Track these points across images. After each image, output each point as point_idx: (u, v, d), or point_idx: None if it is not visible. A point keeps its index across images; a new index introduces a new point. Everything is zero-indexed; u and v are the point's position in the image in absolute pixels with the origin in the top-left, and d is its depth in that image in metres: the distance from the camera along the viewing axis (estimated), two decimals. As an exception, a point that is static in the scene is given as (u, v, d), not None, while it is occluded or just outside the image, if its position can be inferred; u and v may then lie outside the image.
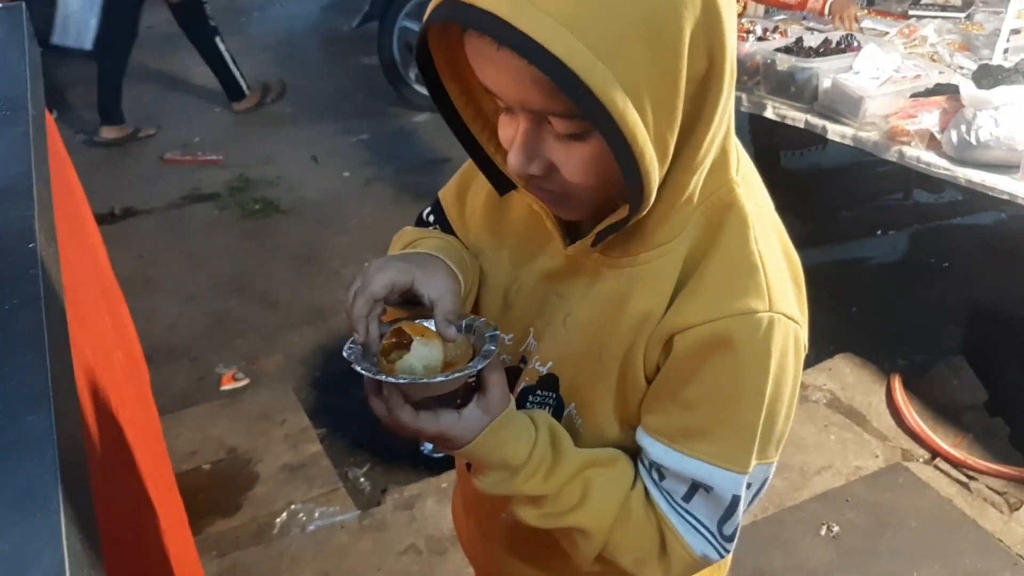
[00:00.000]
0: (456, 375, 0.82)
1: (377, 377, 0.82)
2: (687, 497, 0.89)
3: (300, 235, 4.19)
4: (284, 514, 2.57)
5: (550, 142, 0.78)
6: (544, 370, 0.96)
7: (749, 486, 0.89)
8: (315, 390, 3.14)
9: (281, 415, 3.00)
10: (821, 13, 3.33)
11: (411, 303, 0.89)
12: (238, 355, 3.32)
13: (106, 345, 1.55)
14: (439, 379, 0.81)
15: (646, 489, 0.91)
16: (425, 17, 0.74)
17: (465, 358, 0.85)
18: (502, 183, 0.93)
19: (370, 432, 2.91)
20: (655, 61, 0.70)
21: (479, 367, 0.83)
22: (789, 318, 0.83)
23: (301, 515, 2.57)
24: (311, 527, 2.52)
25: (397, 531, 2.49)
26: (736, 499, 0.88)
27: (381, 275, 0.86)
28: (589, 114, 0.70)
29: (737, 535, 0.92)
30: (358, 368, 0.83)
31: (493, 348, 0.85)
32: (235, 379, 3.18)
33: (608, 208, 0.82)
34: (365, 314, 0.85)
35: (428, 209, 1.14)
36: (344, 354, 0.85)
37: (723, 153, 0.83)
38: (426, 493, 2.60)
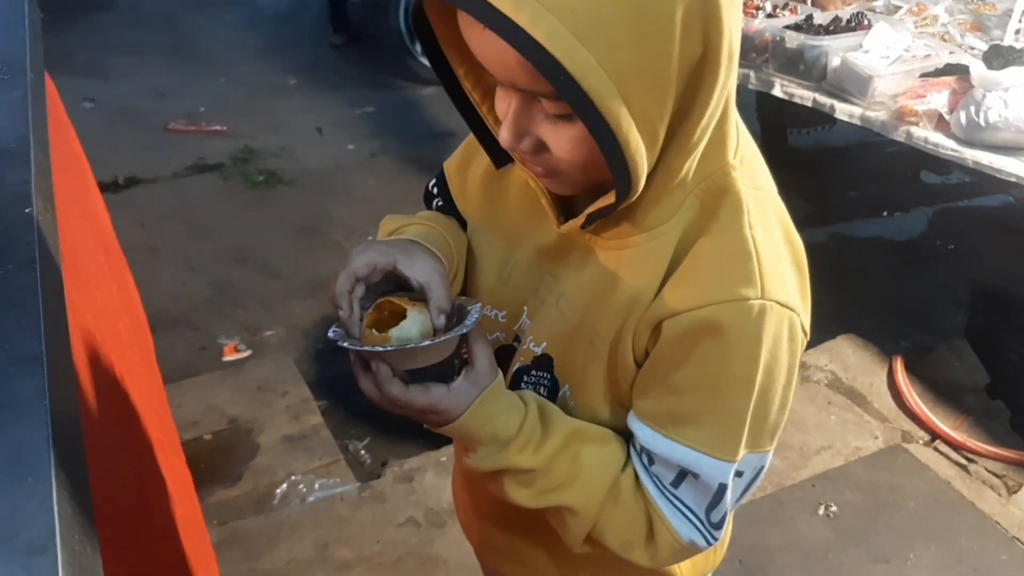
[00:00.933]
0: (439, 340, 0.81)
1: (363, 349, 0.82)
2: (675, 483, 0.88)
3: (304, 206, 4.18)
4: (284, 484, 2.58)
5: (540, 120, 0.77)
6: (538, 350, 0.95)
7: (740, 475, 0.88)
8: (316, 362, 3.14)
9: (283, 386, 3.00)
10: None
11: (401, 289, 0.89)
12: (240, 326, 3.32)
13: (111, 311, 1.54)
14: (424, 344, 0.81)
15: (636, 473, 0.91)
16: None
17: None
18: (500, 156, 0.92)
19: (371, 405, 2.91)
20: (642, 45, 0.68)
21: (462, 332, 0.83)
22: (783, 306, 0.82)
23: (301, 486, 2.58)
24: (311, 498, 2.53)
25: (396, 503, 2.50)
26: (723, 487, 0.87)
27: (362, 256, 0.86)
28: (570, 99, 0.68)
29: (727, 522, 0.91)
30: (344, 344, 0.83)
31: (476, 315, 0.85)
32: (237, 350, 3.19)
33: (604, 186, 0.81)
34: (347, 290, 0.85)
35: (433, 181, 1.14)
36: (330, 335, 0.85)
37: (720, 136, 0.82)
38: (426, 466, 2.61)
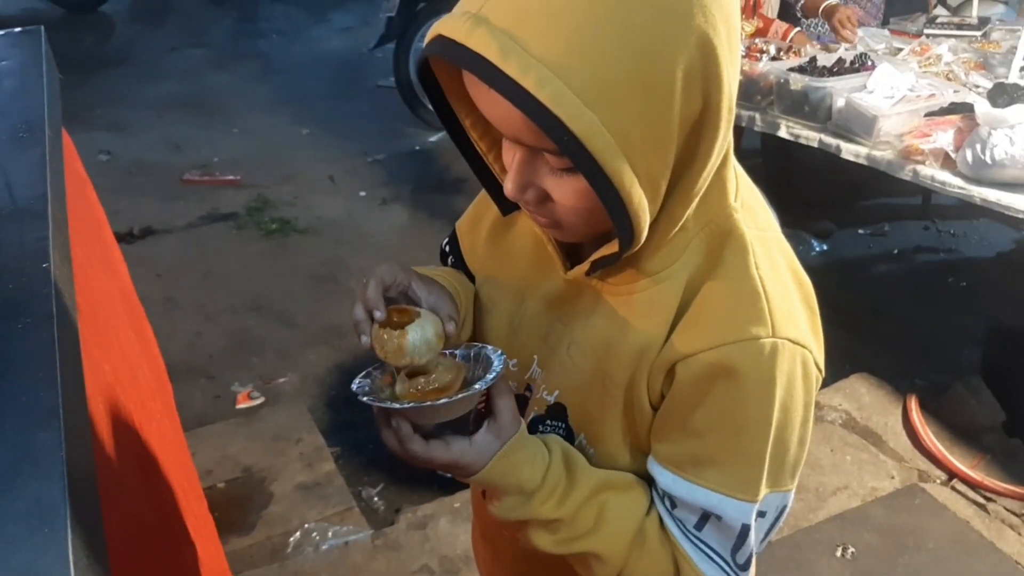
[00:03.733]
0: (461, 396, 0.82)
1: (385, 405, 0.82)
2: (699, 526, 0.88)
3: (317, 254, 4.22)
4: (298, 533, 2.58)
5: (544, 173, 0.79)
6: (551, 399, 0.96)
7: (764, 515, 0.88)
8: (330, 409, 3.15)
9: (296, 434, 3.01)
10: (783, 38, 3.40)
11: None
12: (254, 374, 3.34)
13: (131, 361, 1.56)
14: (443, 401, 0.82)
15: (660, 517, 0.91)
16: (423, 49, 0.76)
17: (468, 385, 0.86)
18: (507, 203, 0.94)
19: (384, 451, 2.91)
20: (646, 106, 0.70)
21: (484, 387, 0.83)
22: (795, 343, 0.82)
23: (315, 534, 2.57)
24: (324, 546, 2.52)
25: (410, 551, 2.48)
26: (746, 528, 0.87)
27: (385, 267, 0.92)
28: (575, 159, 0.70)
29: (753, 563, 0.91)
30: (365, 399, 0.84)
31: (499, 367, 0.85)
32: (251, 398, 3.20)
33: (608, 234, 0.82)
34: (375, 295, 0.88)
35: (446, 240, 1.16)
36: (353, 387, 0.87)
37: (720, 181, 0.83)
38: (439, 513, 2.60)
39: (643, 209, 0.74)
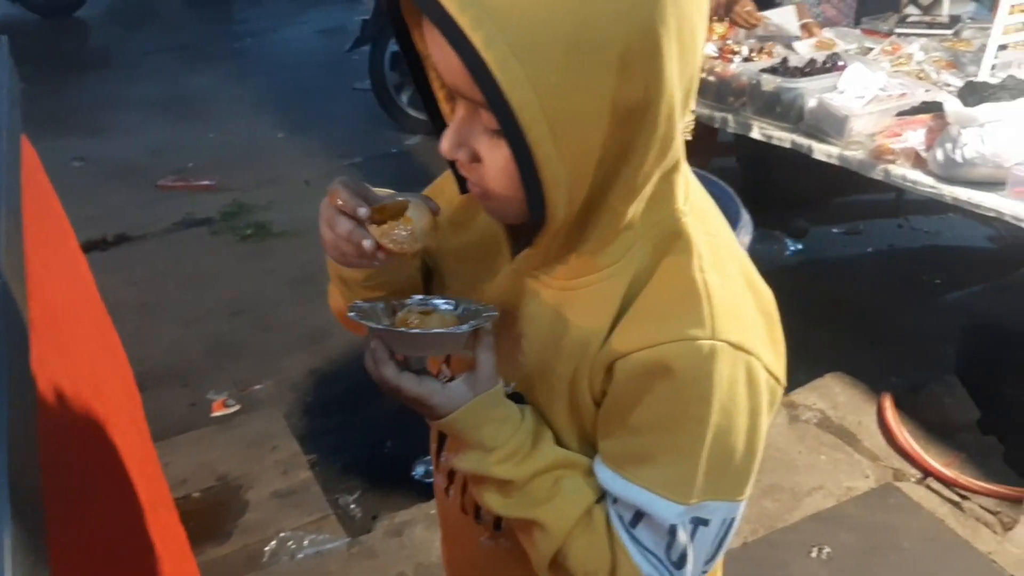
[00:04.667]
0: (440, 331, 0.84)
1: (369, 323, 0.84)
2: (633, 523, 0.89)
3: (294, 258, 4.19)
4: (274, 541, 2.56)
5: (479, 132, 0.78)
6: (509, 389, 0.96)
7: (707, 523, 0.87)
8: (306, 416, 3.13)
9: (272, 441, 2.99)
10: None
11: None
12: (230, 380, 3.32)
13: (95, 373, 1.54)
14: (418, 331, 0.83)
15: (607, 508, 0.92)
16: None
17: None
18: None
19: (362, 457, 2.91)
20: (575, 74, 0.69)
21: (467, 329, 0.84)
22: (737, 347, 0.82)
23: (291, 543, 2.55)
24: (301, 555, 2.51)
25: (387, 558, 2.47)
26: (673, 528, 0.86)
27: (341, 178, 0.90)
28: (495, 109, 0.70)
29: (689, 562, 0.90)
30: (351, 314, 0.86)
31: (490, 315, 0.86)
32: (226, 405, 3.18)
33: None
34: (350, 197, 0.87)
35: None
36: (350, 314, 0.87)
37: (668, 185, 0.84)
38: (416, 519, 2.59)
39: (557, 184, 0.74)
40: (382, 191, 0.94)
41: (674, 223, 0.85)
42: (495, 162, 0.78)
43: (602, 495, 0.92)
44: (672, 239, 0.85)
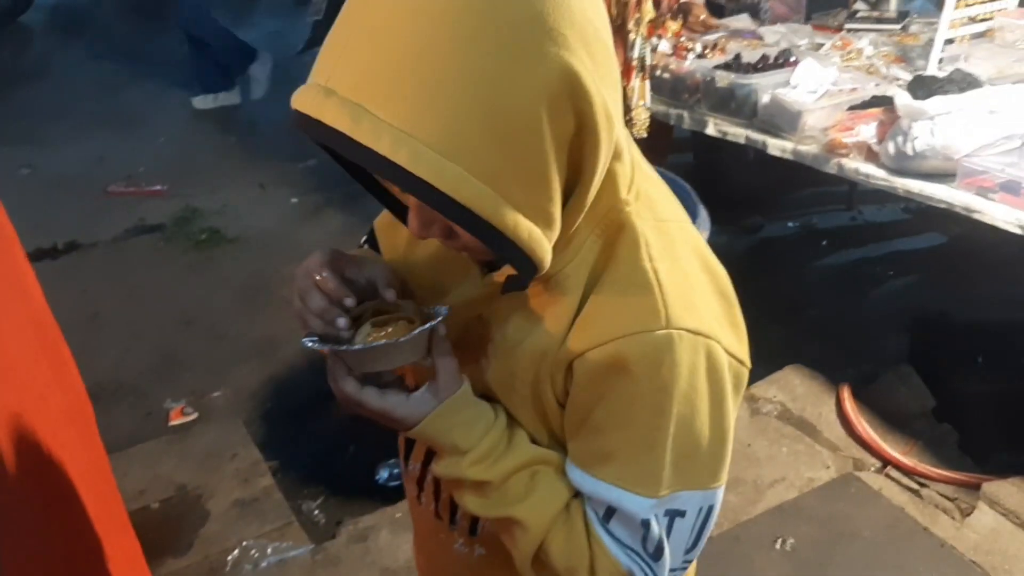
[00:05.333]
0: (390, 342, 0.83)
1: (326, 347, 0.84)
2: (606, 518, 0.89)
3: (248, 265, 4.13)
4: (236, 551, 2.52)
5: None
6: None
7: (683, 514, 0.88)
8: (266, 423, 3.09)
9: (231, 449, 2.94)
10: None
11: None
12: (187, 389, 3.26)
13: (40, 389, 1.50)
14: (372, 344, 0.83)
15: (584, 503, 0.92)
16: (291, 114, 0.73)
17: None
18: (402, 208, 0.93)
19: (324, 462, 2.87)
20: (512, 145, 0.69)
21: (414, 334, 0.83)
22: (695, 333, 0.82)
23: (253, 552, 2.52)
24: (263, 564, 2.47)
25: (351, 565, 2.45)
26: (646, 523, 0.87)
27: (317, 257, 0.90)
28: (447, 214, 0.70)
29: (666, 553, 0.90)
30: (311, 343, 0.86)
31: (441, 315, 0.86)
32: (184, 414, 3.12)
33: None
34: (337, 285, 0.87)
35: (364, 238, 1.14)
36: (304, 341, 0.87)
37: (611, 177, 0.83)
38: (380, 524, 2.57)
39: (536, 240, 0.74)
40: (365, 263, 0.93)
41: (617, 215, 0.85)
42: (468, 235, 0.77)
43: (578, 491, 0.92)
44: (617, 232, 0.85)
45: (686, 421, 0.83)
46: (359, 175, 0.91)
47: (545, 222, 0.75)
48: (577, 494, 0.92)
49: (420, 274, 1.03)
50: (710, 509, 0.90)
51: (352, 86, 0.69)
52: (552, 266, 0.84)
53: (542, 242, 0.75)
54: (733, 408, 0.88)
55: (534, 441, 0.93)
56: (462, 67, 0.67)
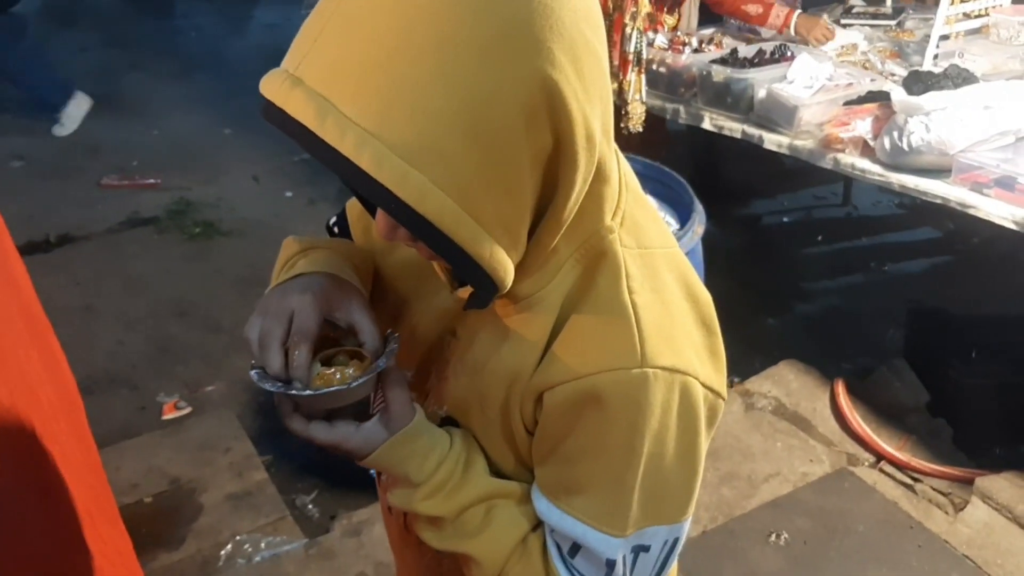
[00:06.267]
0: (340, 388, 0.80)
1: (271, 388, 0.81)
2: (571, 553, 0.87)
3: (243, 257, 4.12)
4: (229, 545, 2.51)
5: None
6: (442, 412, 0.93)
7: (647, 549, 0.86)
8: (260, 416, 3.08)
9: (225, 443, 2.93)
10: (781, 30, 3.37)
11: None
12: (180, 382, 3.25)
13: (31, 381, 1.49)
14: (308, 392, 0.80)
15: (544, 536, 0.90)
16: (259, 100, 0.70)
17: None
18: None
19: (318, 457, 2.86)
20: (484, 156, 0.66)
21: (360, 381, 0.81)
22: (672, 370, 0.79)
23: (247, 546, 2.51)
24: (257, 558, 2.47)
25: (345, 558, 2.44)
26: (611, 562, 0.84)
27: (310, 317, 0.83)
28: (407, 224, 0.67)
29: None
30: (253, 375, 0.82)
31: (382, 364, 0.83)
32: (177, 408, 3.11)
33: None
34: (306, 362, 0.82)
35: (334, 219, 1.11)
36: (251, 374, 0.83)
37: (595, 200, 0.79)
38: (375, 518, 2.56)
39: (499, 260, 0.71)
40: (353, 305, 0.88)
41: (600, 241, 0.81)
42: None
43: (539, 522, 0.90)
44: (599, 260, 0.81)
45: (656, 459, 0.81)
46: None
47: (511, 241, 0.72)
48: (536, 527, 0.90)
49: (395, 276, 1.01)
50: (675, 541, 0.88)
51: (320, 78, 0.65)
52: (527, 287, 0.81)
53: (504, 262, 0.72)
54: (705, 441, 0.85)
55: (497, 469, 0.90)
56: (438, 68, 0.63)
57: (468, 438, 0.91)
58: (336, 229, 1.10)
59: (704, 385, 0.82)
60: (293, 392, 0.80)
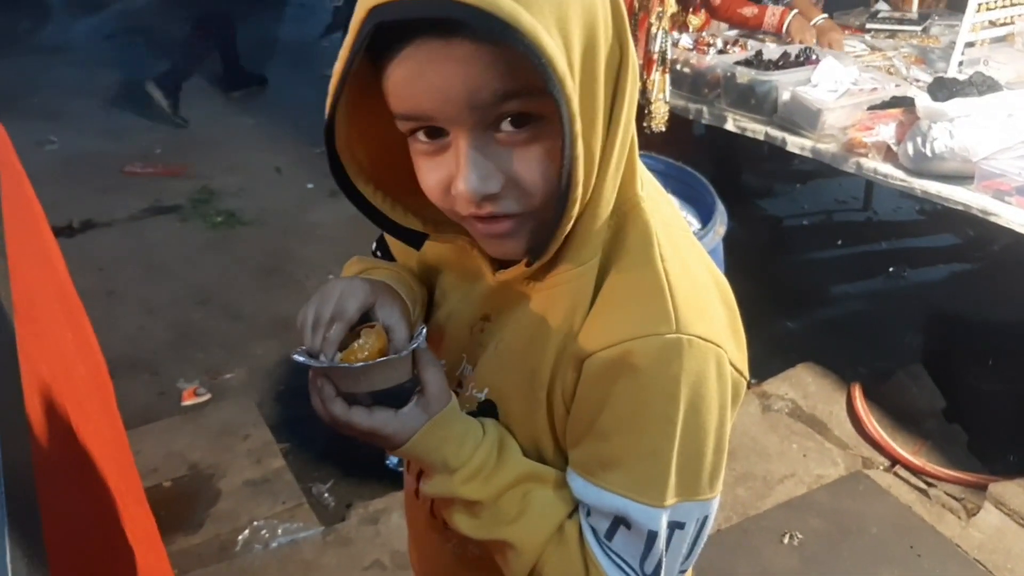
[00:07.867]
0: (379, 360, 0.81)
1: (310, 363, 0.81)
2: (609, 534, 0.86)
3: (264, 246, 4.16)
4: (247, 531, 2.54)
5: (500, 154, 0.75)
6: (481, 396, 0.93)
7: (682, 526, 0.85)
8: (279, 404, 3.11)
9: (244, 430, 2.97)
10: (778, 31, 3.37)
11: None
12: (200, 369, 3.28)
13: (68, 359, 1.52)
14: (362, 364, 0.80)
15: (580, 522, 0.89)
16: (354, 30, 0.70)
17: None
18: (419, 238, 0.91)
19: (335, 446, 2.89)
20: (587, 38, 0.71)
21: (404, 353, 0.82)
22: (705, 340, 0.78)
23: (264, 531, 2.54)
24: (274, 543, 2.50)
25: (362, 546, 2.47)
26: (653, 534, 0.84)
27: (353, 300, 0.85)
28: (550, 84, 0.67)
29: (663, 570, 0.88)
30: (298, 358, 0.82)
31: (421, 337, 0.84)
32: (196, 394, 3.14)
33: (539, 244, 0.80)
34: (338, 339, 0.83)
35: (375, 245, 1.13)
36: (294, 356, 0.84)
37: (630, 166, 0.81)
38: (391, 507, 2.59)
39: (585, 170, 0.73)
40: (395, 308, 0.89)
41: (632, 208, 0.83)
42: (532, 170, 0.75)
43: (574, 509, 0.89)
44: (630, 225, 0.82)
45: (692, 429, 0.80)
46: (371, 213, 0.89)
47: (588, 159, 0.74)
48: (572, 513, 0.89)
49: (427, 275, 1.03)
50: (705, 519, 0.88)
51: None
52: (585, 254, 0.82)
53: (585, 178, 0.74)
54: (731, 420, 0.85)
55: (538, 454, 0.90)
56: None
57: (498, 423, 0.91)
58: (379, 253, 1.11)
59: (731, 363, 0.82)
60: (344, 365, 0.81)
